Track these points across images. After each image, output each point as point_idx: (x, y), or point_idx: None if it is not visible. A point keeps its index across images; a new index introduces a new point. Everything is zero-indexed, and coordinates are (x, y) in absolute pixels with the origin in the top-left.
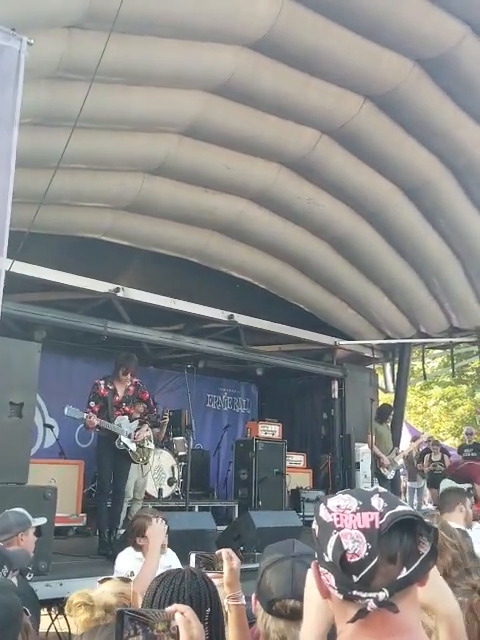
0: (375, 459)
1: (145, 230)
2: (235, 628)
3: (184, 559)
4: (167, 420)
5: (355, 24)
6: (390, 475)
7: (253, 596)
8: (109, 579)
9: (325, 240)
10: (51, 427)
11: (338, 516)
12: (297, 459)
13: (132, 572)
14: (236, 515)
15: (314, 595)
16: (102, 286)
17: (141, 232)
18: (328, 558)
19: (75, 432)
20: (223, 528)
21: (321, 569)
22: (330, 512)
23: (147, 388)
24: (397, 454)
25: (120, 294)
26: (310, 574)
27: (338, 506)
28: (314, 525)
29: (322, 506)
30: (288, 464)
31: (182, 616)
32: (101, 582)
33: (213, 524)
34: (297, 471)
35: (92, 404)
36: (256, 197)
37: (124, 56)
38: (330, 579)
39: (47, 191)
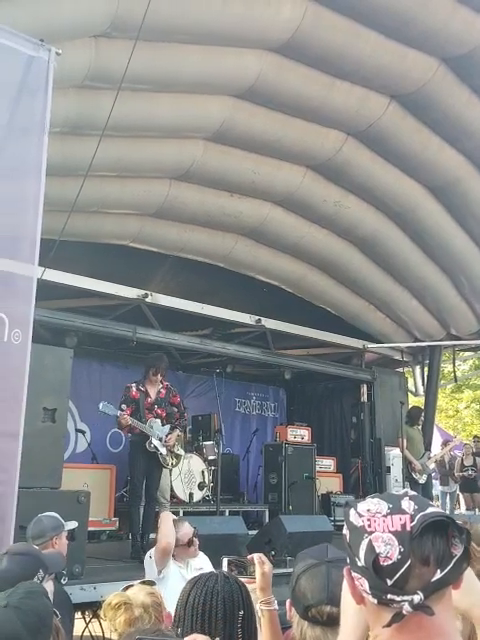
0: (407, 463)
1: (172, 236)
2: (268, 633)
3: (216, 563)
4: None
5: (380, 24)
6: (422, 480)
7: (288, 602)
8: (132, 585)
9: (352, 242)
10: (83, 432)
11: (369, 520)
12: (327, 463)
13: None
14: (266, 519)
15: (351, 600)
16: (131, 292)
17: (168, 238)
18: (361, 562)
19: (106, 437)
20: (254, 532)
21: (354, 574)
22: (360, 516)
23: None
24: (429, 458)
25: (148, 300)
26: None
27: (368, 510)
28: (345, 530)
29: (352, 510)
30: (318, 468)
31: None
32: (124, 590)
33: (244, 528)
34: (327, 475)
35: (124, 407)
36: (282, 200)
37: (150, 64)
38: (364, 584)
39: (77, 199)
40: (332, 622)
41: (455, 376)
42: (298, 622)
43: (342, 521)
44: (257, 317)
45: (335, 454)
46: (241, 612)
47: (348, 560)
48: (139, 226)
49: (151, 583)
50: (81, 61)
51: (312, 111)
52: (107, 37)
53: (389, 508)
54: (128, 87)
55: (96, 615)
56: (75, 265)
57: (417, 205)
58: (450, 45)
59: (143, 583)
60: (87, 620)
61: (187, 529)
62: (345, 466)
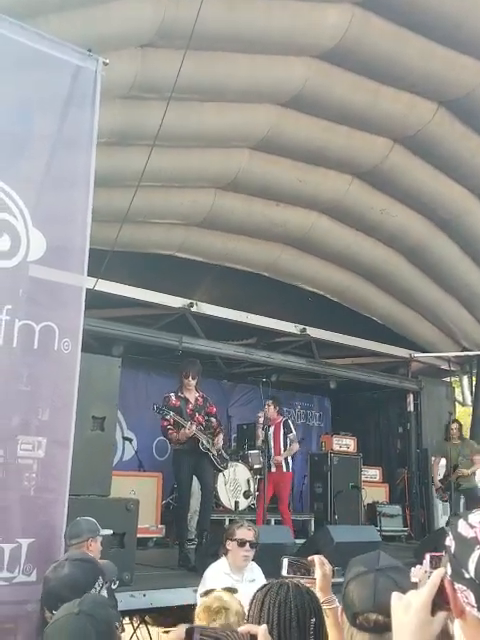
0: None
1: (217, 245)
2: (333, 629)
3: (266, 572)
4: None
5: (428, 29)
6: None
7: (339, 608)
8: (212, 591)
9: (398, 250)
10: (130, 440)
11: None
12: (372, 473)
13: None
14: (312, 529)
15: (409, 622)
16: (177, 302)
17: (213, 247)
18: (469, 575)
19: (153, 445)
20: (300, 542)
21: (457, 586)
22: (472, 527)
23: (221, 401)
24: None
25: (194, 309)
26: (397, 596)
27: None
28: (449, 541)
29: (461, 521)
30: (363, 478)
31: (264, 632)
32: (204, 595)
33: (291, 538)
34: (373, 485)
35: (168, 415)
36: (328, 209)
37: (197, 73)
38: (469, 597)
39: (128, 210)
40: (379, 629)
41: None
42: (348, 629)
43: (388, 531)
44: (302, 326)
45: (381, 464)
46: (313, 620)
47: (451, 571)
48: (185, 236)
49: (234, 591)
50: (128, 71)
51: (358, 118)
52: (153, 47)
53: None
54: (175, 97)
55: (143, 621)
56: (121, 275)
57: (465, 212)
58: None
59: (226, 590)
60: (135, 626)
61: (246, 533)
62: (391, 476)
